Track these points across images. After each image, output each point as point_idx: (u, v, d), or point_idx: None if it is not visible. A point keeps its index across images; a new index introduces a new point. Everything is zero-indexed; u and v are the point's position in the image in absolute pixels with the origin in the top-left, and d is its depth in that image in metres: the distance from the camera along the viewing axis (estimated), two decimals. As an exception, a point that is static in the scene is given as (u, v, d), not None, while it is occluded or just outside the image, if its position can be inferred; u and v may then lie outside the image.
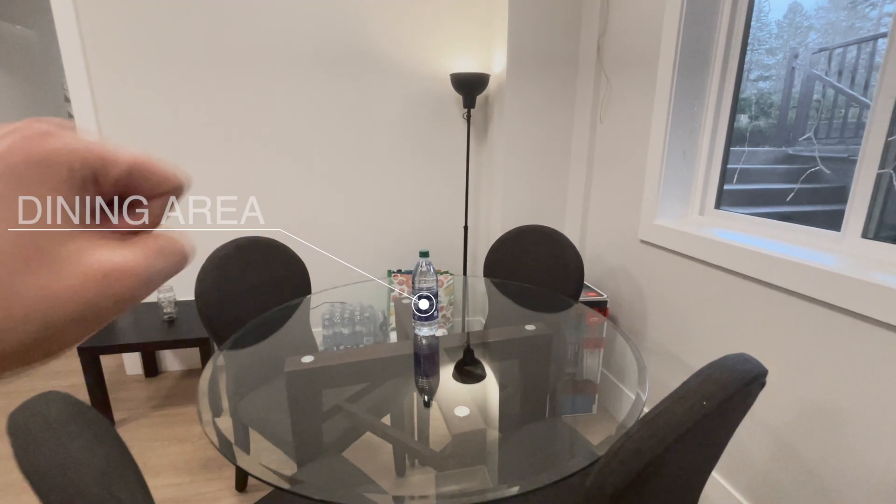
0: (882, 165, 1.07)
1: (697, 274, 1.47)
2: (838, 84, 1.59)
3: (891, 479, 0.96)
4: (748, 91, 1.54)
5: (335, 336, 1.38)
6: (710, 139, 1.58)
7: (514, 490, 0.67)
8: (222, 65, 1.99)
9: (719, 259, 1.36)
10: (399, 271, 2.33)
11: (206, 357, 1.85)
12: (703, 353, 1.47)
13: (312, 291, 1.69)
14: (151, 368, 2.26)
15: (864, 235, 1.12)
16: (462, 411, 0.86)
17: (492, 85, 2.17)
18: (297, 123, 2.13)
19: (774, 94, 1.53)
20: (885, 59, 1.05)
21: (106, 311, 0.15)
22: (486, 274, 1.82)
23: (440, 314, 1.24)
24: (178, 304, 2.14)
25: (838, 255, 1.13)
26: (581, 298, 1.77)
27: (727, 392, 0.62)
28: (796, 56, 1.56)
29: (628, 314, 1.84)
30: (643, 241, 1.73)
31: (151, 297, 2.19)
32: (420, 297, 1.14)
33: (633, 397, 0.90)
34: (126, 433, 1.85)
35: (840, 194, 1.22)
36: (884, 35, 1.10)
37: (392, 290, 1.93)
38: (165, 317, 2.00)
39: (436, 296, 1.16)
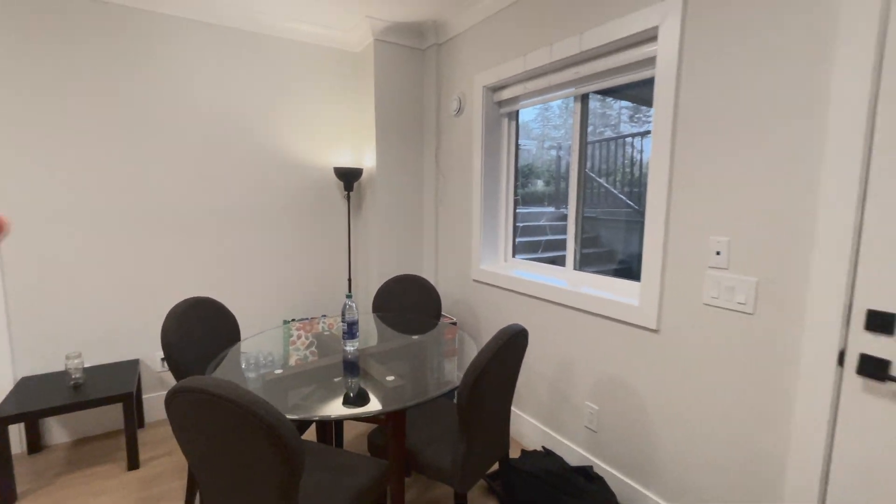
0: (578, 232, 2.19)
1: (507, 297, 2.45)
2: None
3: (591, 380, 1.97)
4: (532, 187, 2.67)
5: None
6: (504, 216, 2.65)
7: (425, 396, 1.40)
8: (123, 146, 2.36)
9: (517, 287, 2.36)
10: (293, 319, 2.84)
11: (130, 411, 2.07)
12: (514, 345, 2.43)
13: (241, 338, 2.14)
14: (34, 444, 2.25)
15: (574, 268, 2.22)
16: (390, 378, 1.56)
17: (365, 175, 2.98)
18: (208, 206, 2.57)
19: (541, 173, 2.71)
20: (572, 154, 2.19)
21: None
22: (374, 311, 2.53)
23: (357, 335, 1.90)
24: (85, 369, 2.26)
25: (567, 280, 2.21)
26: (441, 321, 2.61)
27: (508, 336, 1.48)
28: (559, 147, 2.77)
29: (469, 330, 2.74)
30: (475, 280, 2.68)
31: (59, 366, 2.26)
32: (349, 324, 1.80)
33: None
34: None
35: (542, 245, 2.34)
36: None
37: (291, 336, 2.46)
38: (72, 382, 2.12)
39: (356, 323, 1.84)
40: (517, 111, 2.53)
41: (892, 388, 1.13)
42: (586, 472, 1.92)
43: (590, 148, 2.16)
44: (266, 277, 2.82)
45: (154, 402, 2.57)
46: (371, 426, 2.55)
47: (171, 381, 2.58)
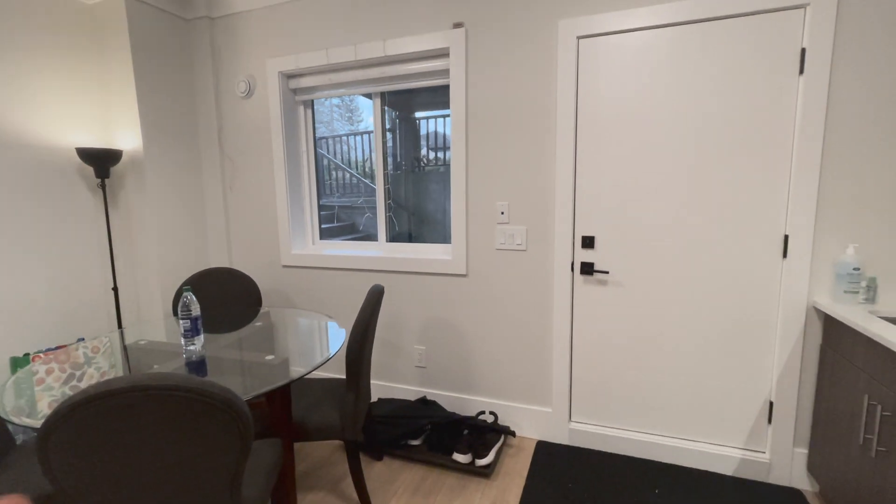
0: (387, 210, 2.57)
1: (325, 276, 2.60)
2: (334, 160, 3.16)
3: (417, 327, 2.43)
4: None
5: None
6: (309, 200, 2.75)
7: (318, 361, 1.51)
8: None
9: (336, 264, 2.54)
10: (39, 351, 2.14)
11: None
12: (339, 310, 2.62)
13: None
14: None
15: (387, 241, 2.60)
16: (270, 357, 1.56)
17: (126, 159, 2.44)
18: None
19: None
20: (377, 149, 2.53)
21: None
22: (175, 314, 2.20)
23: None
24: None
25: (381, 250, 2.56)
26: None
27: (378, 293, 1.74)
28: (327, 140, 2.99)
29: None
30: (286, 266, 2.69)
31: None
32: (193, 319, 1.62)
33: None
34: None
35: (353, 227, 2.68)
36: (367, 132, 2.60)
37: (36, 374, 1.90)
38: None
39: (199, 318, 1.67)
40: (312, 100, 2.66)
41: (596, 277, 2.03)
42: (423, 401, 2.38)
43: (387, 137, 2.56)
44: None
45: None
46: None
47: None
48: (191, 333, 1.65)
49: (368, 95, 2.52)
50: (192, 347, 1.66)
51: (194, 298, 1.66)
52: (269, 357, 1.58)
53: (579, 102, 1.95)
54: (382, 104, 2.48)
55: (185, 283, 2.24)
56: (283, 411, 1.58)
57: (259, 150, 2.63)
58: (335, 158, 3.16)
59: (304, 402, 1.77)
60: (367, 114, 2.63)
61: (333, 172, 3.18)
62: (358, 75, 2.38)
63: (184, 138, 2.60)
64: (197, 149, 2.70)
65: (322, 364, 1.50)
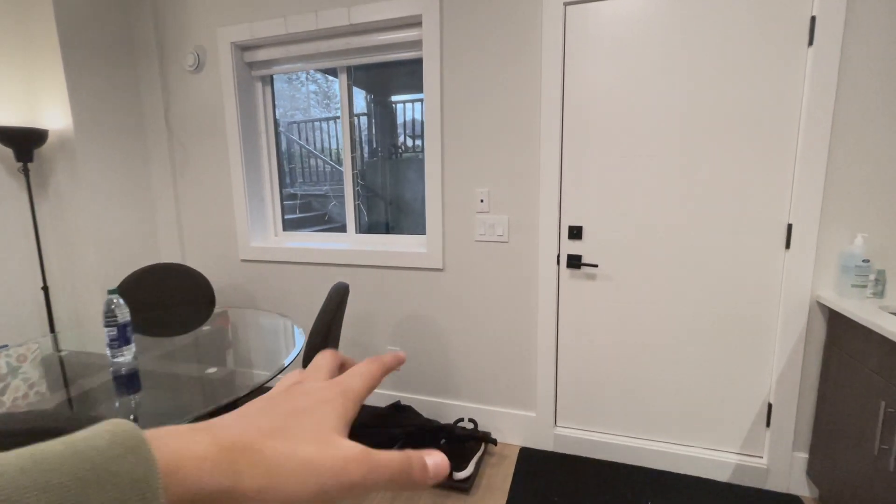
0: (355, 198, 2.34)
1: (287, 271, 2.36)
2: (307, 146, 2.94)
3: (390, 326, 2.22)
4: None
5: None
6: (270, 188, 2.49)
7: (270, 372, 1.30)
8: None
9: (299, 258, 2.30)
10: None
11: None
12: (303, 309, 2.39)
13: None
14: None
15: (356, 232, 2.38)
16: (212, 370, 1.33)
17: (53, 139, 2.13)
18: None
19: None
20: (343, 135, 2.30)
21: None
22: (114, 318, 1.94)
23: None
24: None
25: (350, 243, 2.34)
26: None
27: (341, 294, 1.53)
28: (286, 125, 2.74)
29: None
30: (244, 260, 2.44)
31: None
32: (120, 327, 1.38)
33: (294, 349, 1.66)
34: None
35: (323, 217, 2.44)
36: (336, 118, 2.36)
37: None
38: None
39: (129, 324, 1.43)
40: (272, 76, 2.39)
41: (583, 271, 1.86)
42: (397, 406, 2.18)
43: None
44: None
45: None
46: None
47: None
48: (118, 343, 1.40)
49: (334, 73, 2.27)
50: (120, 359, 1.41)
51: (121, 302, 1.41)
52: (211, 370, 1.35)
53: (566, 78, 1.76)
54: (349, 80, 2.24)
55: (122, 282, 1.97)
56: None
57: (212, 131, 2.35)
58: (308, 145, 2.93)
59: (257, 418, 1.55)
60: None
61: (309, 160, 2.94)
62: (321, 47, 2.12)
63: (124, 118, 2.31)
64: (142, 130, 2.41)
65: (270, 380, 1.28)
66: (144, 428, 0.18)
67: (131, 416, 1.14)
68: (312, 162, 2.95)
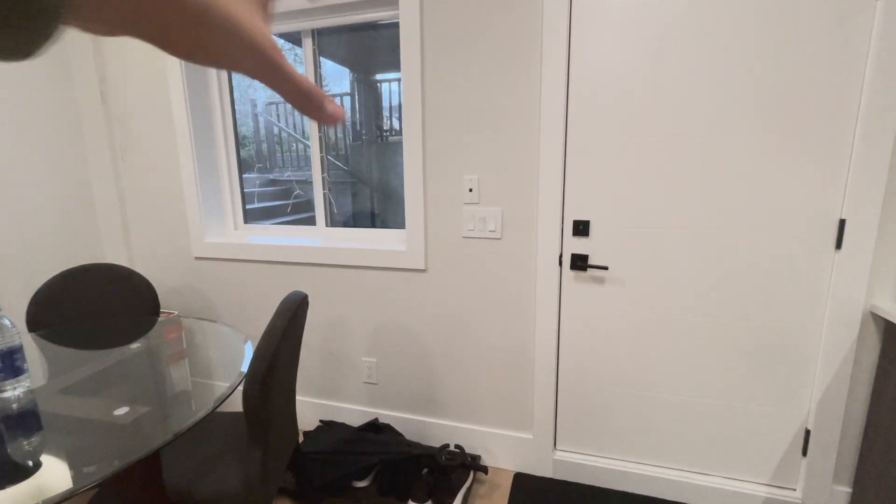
0: (324, 186, 2.02)
1: (247, 270, 2.05)
2: (287, 129, 2.63)
3: (365, 334, 1.93)
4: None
5: None
6: (228, 174, 2.16)
7: (192, 419, 1.00)
8: None
9: (259, 255, 1.99)
10: None
11: None
12: (265, 314, 2.09)
13: None
14: None
15: (326, 225, 2.06)
16: (122, 411, 1.03)
17: (-45, 116, 1.78)
18: None
19: (249, 132, 2.35)
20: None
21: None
22: (32, 330, 1.62)
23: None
24: None
25: (320, 238, 2.03)
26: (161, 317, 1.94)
27: (294, 307, 1.23)
28: (255, 105, 2.40)
29: (204, 315, 2.18)
30: (198, 258, 2.12)
31: None
32: (6, 353, 1.07)
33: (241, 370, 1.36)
34: None
35: (309, 203, 2.13)
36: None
37: None
38: None
39: (20, 349, 1.12)
40: (225, 42, 2.03)
41: (590, 274, 1.58)
42: (373, 426, 1.90)
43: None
44: None
45: None
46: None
47: None
48: (3, 375, 1.09)
49: (298, 40, 1.93)
50: (5, 395, 1.11)
51: (6, 322, 1.10)
52: (121, 410, 1.05)
53: (572, 46, 1.44)
54: (314, 46, 1.90)
55: (43, 289, 1.65)
56: (151, 487, 1.07)
57: (156, 106, 2.00)
58: (287, 127, 2.63)
59: (197, 456, 1.26)
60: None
61: (291, 144, 2.64)
62: (278, 5, 1.78)
63: (49, 90, 1.95)
64: (74, 106, 2.05)
65: (192, 425, 0.98)
66: None
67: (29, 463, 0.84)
68: (295, 146, 2.63)
